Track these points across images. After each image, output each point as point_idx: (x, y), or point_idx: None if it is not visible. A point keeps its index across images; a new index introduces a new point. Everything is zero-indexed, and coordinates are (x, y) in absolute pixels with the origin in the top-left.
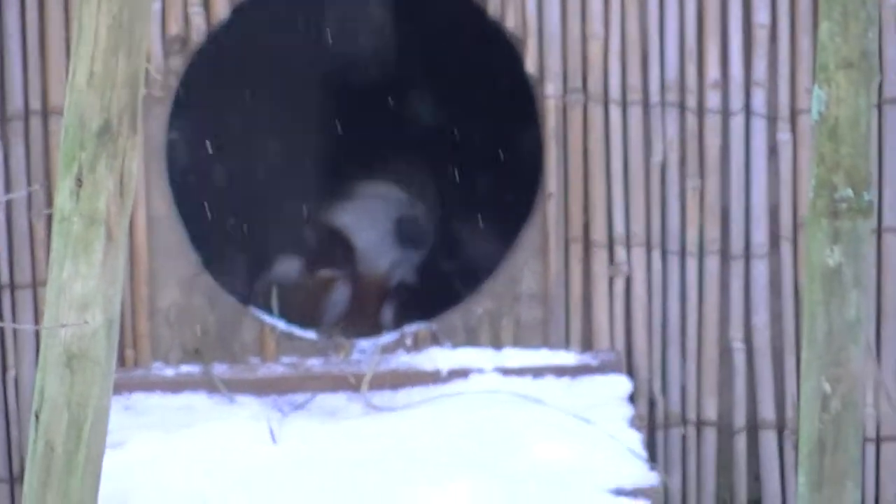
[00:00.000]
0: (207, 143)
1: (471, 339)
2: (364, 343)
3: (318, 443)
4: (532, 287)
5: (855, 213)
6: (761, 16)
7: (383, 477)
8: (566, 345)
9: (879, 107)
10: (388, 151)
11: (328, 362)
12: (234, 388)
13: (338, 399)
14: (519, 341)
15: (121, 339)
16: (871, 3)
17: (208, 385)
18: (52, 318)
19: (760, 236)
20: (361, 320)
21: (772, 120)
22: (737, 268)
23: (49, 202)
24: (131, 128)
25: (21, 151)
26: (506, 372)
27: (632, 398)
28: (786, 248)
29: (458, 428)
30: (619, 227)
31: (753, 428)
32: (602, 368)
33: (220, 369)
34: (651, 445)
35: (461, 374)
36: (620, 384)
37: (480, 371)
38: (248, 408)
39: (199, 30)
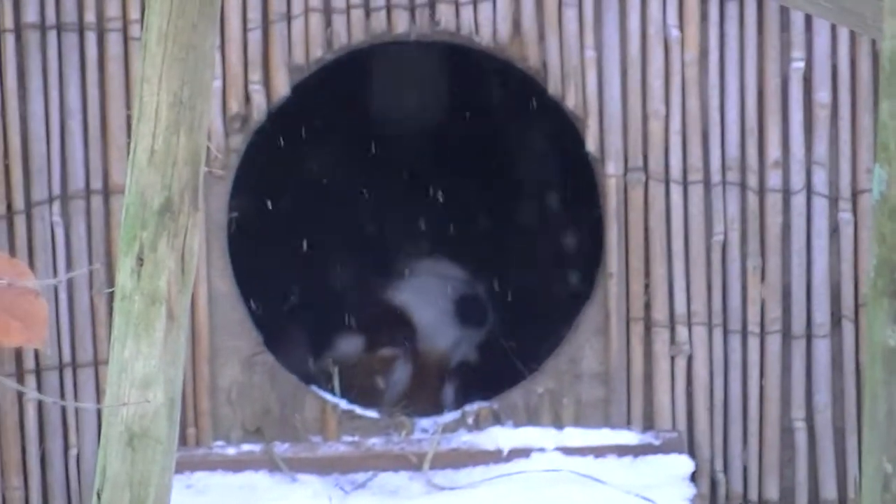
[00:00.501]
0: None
1: (532, 419)
2: (425, 422)
3: None
4: (593, 366)
5: None
6: (822, 94)
7: None
8: (628, 424)
9: None
10: (447, 229)
11: (389, 441)
12: (296, 466)
13: (399, 478)
14: (580, 420)
15: (182, 417)
16: None
17: (270, 464)
18: (113, 397)
19: (822, 316)
20: (422, 399)
21: (833, 199)
22: (798, 347)
23: (110, 281)
24: (193, 206)
25: (82, 230)
26: (567, 451)
27: (693, 478)
28: (847, 328)
29: None
30: (680, 307)
31: None
32: (664, 448)
33: (281, 448)
34: None
35: (523, 453)
36: (682, 464)
37: (542, 450)
38: (310, 486)
39: (259, 108)
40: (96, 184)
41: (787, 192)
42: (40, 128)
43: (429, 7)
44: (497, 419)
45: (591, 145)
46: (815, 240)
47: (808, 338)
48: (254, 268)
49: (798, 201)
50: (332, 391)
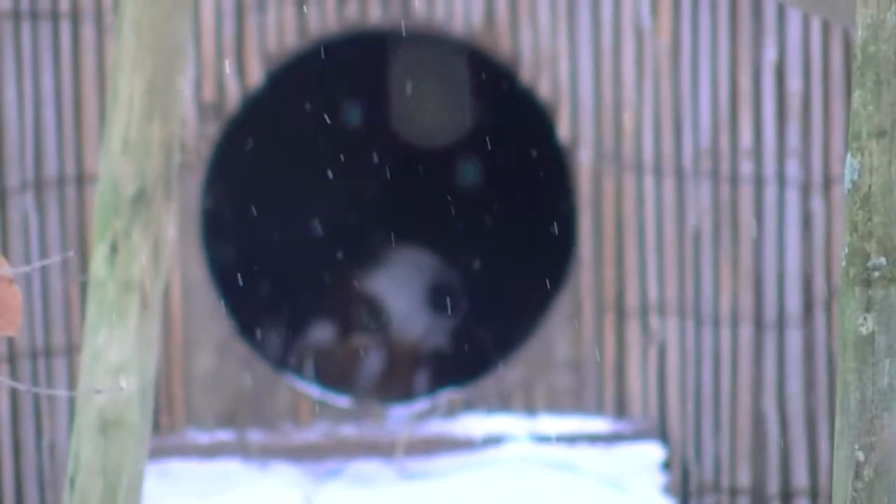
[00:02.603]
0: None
1: (504, 406)
2: (398, 409)
3: None
4: (566, 354)
5: (888, 282)
6: (794, 83)
7: None
8: (600, 412)
9: None
10: (421, 217)
11: (362, 429)
12: (269, 454)
13: (372, 466)
14: (552, 408)
15: (155, 404)
16: None
17: (243, 451)
18: (86, 384)
19: (794, 305)
20: (395, 386)
21: (805, 188)
22: (770, 336)
23: (84, 268)
24: (166, 194)
25: (56, 217)
26: (539, 439)
27: (665, 465)
28: (819, 317)
29: (492, 496)
30: (652, 295)
31: (787, 495)
32: (636, 436)
33: (254, 435)
34: None
35: (495, 440)
36: (654, 451)
37: (514, 438)
38: (283, 474)
39: (233, 96)
40: (70, 171)
41: (759, 182)
42: (14, 115)
43: None
44: (470, 407)
45: (563, 133)
46: (788, 229)
47: (780, 327)
48: (229, 256)
49: (770, 190)
50: (305, 378)
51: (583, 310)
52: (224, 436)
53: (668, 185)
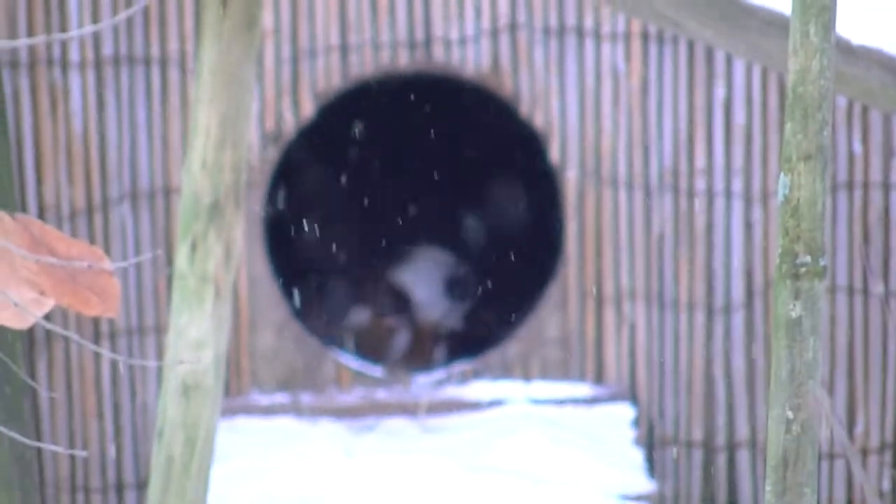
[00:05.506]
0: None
1: (506, 374)
2: (420, 377)
3: (384, 457)
4: (555, 332)
5: (812, 276)
6: (739, 117)
7: (436, 483)
8: (582, 379)
9: (833, 190)
10: (441, 223)
11: (392, 393)
12: (317, 413)
13: (399, 422)
14: (544, 376)
15: (226, 373)
16: (826, 108)
17: (296, 411)
18: (171, 357)
19: (738, 294)
20: (418, 358)
21: (748, 200)
22: (719, 318)
23: (170, 263)
24: (235, 205)
25: (147, 222)
26: (534, 401)
27: (635, 422)
28: (758, 303)
29: (496, 447)
30: (624, 286)
31: (731, 446)
32: (611, 398)
33: (305, 398)
34: (650, 460)
35: (498, 402)
36: (626, 411)
37: (513, 400)
38: (328, 429)
39: (289, 126)
40: (159, 185)
41: (710, 195)
42: (115, 141)
43: (425, 46)
44: (478, 375)
45: (554, 156)
46: (733, 233)
47: (727, 311)
48: (286, 254)
49: (719, 202)
50: (346, 352)
51: (569, 297)
52: (281, 398)
53: (638, 197)
